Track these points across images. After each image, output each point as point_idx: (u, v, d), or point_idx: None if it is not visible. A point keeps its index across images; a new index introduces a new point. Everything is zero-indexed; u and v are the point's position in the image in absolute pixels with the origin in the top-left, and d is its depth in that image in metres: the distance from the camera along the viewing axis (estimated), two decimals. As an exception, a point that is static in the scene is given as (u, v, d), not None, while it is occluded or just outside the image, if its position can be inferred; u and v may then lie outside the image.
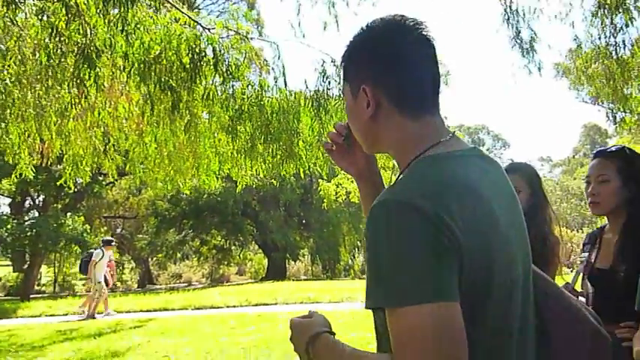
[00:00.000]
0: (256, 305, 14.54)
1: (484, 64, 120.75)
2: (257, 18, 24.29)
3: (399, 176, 1.18)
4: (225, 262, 35.23)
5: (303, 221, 32.37)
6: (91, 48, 4.65)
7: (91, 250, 13.89)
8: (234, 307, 14.56)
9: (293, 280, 28.52)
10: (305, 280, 29.13)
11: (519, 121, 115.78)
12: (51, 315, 15.31)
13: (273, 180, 8.48)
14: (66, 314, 15.21)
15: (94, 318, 12.99)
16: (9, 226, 20.92)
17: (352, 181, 14.99)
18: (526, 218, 3.23)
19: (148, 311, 14.44)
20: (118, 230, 35.71)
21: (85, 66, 4.66)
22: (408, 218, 1.00)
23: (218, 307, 14.57)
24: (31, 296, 22.24)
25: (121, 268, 34.03)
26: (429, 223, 0.98)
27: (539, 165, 67.56)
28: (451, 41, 45.91)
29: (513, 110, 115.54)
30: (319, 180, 20.85)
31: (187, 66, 5.42)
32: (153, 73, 5.24)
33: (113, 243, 15.73)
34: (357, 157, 1.49)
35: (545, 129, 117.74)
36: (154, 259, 35.17)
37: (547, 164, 68.41)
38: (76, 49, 4.83)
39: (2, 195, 30.39)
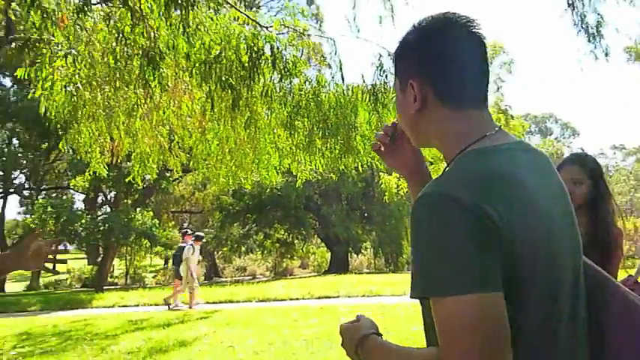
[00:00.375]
0: (319, 298, 14.69)
1: (550, 51, 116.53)
2: (316, 12, 24.37)
3: (444, 170, 1.21)
4: (289, 256, 35.70)
5: (365, 214, 32.36)
6: (155, 50, 4.85)
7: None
8: (296, 299, 14.76)
9: (355, 273, 28.58)
10: (367, 273, 29.15)
11: (589, 108, 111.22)
12: (123, 306, 16.02)
13: (332, 174, 8.54)
14: (137, 305, 15.87)
15: (191, 308, 13.28)
16: (83, 221, 21.95)
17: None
18: (588, 209, 3.15)
19: (214, 303, 14.85)
20: (185, 224, 36.84)
21: (150, 68, 4.87)
22: (448, 209, 1.03)
23: (281, 300, 14.81)
24: (105, 288, 23.27)
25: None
26: (468, 213, 1.01)
27: (612, 153, 64.80)
28: (516, 29, 44.55)
29: (583, 97, 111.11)
30: (380, 173, 20.79)
31: (246, 64, 5.56)
32: (213, 73, 5.40)
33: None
34: (407, 157, 1.53)
35: (617, 116, 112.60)
36: (220, 252, 36.01)
37: (620, 152, 65.44)
38: (140, 52, 5.05)
39: (77, 191, 31.93)
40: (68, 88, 5.66)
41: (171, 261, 36.01)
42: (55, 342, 9.59)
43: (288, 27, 6.65)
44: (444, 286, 1.00)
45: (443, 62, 1.22)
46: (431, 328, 1.10)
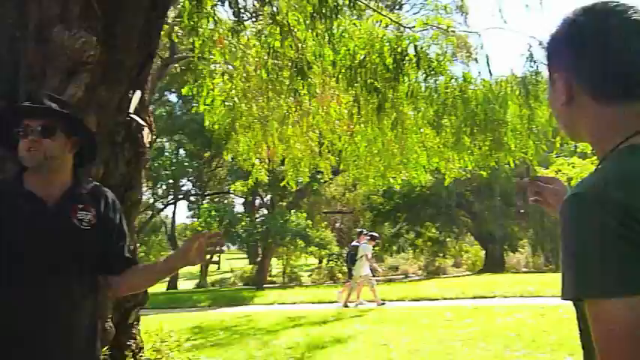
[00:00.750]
0: (473, 298, 14.30)
1: None
2: (460, 5, 23.73)
3: (596, 168, 1.18)
4: (441, 254, 35.10)
5: (521, 211, 30.86)
6: (303, 61, 5.11)
7: (355, 244, 14.69)
8: (450, 299, 14.50)
9: (512, 272, 27.38)
10: (525, 272, 27.76)
11: None
12: (281, 303, 16.85)
13: (482, 172, 8.32)
14: (294, 303, 16.60)
15: (383, 304, 13.40)
16: (243, 223, 23.45)
17: (573, 166, 13.96)
18: None
19: (367, 301, 15.09)
20: (337, 225, 37.77)
21: (299, 78, 5.13)
22: (598, 209, 1.00)
23: (434, 299, 14.65)
24: (264, 286, 24.61)
25: (341, 260, 35.95)
26: (620, 213, 0.97)
27: None
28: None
29: None
30: (536, 167, 19.71)
31: (391, 66, 5.64)
32: (359, 77, 5.55)
33: (378, 239, 16.37)
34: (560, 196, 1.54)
35: None
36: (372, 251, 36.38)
37: None
38: (290, 64, 5.34)
39: (237, 195, 34.15)
40: (226, 103, 6.13)
41: (324, 260, 37.39)
42: (223, 336, 10.38)
43: (431, 25, 6.61)
44: (599, 287, 0.98)
45: (591, 53, 1.17)
46: (585, 332, 1.08)
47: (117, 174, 4.53)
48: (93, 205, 2.23)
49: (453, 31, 6.82)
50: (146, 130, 4.75)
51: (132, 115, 4.62)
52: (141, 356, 4.76)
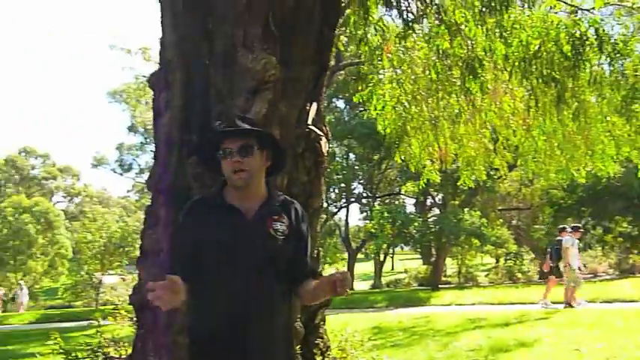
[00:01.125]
0: (678, 299, 12.84)
1: None
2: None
3: None
4: (635, 251, 31.87)
5: None
6: (473, 59, 5.00)
7: (559, 238, 13.97)
8: (648, 300, 13.16)
9: None
10: None
11: None
12: (459, 304, 16.52)
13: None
14: (472, 304, 16.18)
15: (571, 306, 12.51)
16: (416, 224, 23.37)
17: None
18: None
19: (554, 303, 14.23)
20: (514, 222, 36.02)
21: (470, 77, 5.03)
22: None
23: (630, 301, 13.37)
24: (439, 286, 24.28)
25: (520, 259, 34.25)
26: None
27: None
28: None
29: None
30: None
31: (569, 54, 5.29)
32: (534, 68, 5.29)
33: (581, 229, 15.34)
34: None
35: None
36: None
37: None
38: (460, 63, 5.25)
39: (407, 196, 34.15)
40: (396, 107, 6.21)
41: (501, 259, 35.89)
42: (402, 336, 10.45)
43: (611, 4, 6.09)
44: None
45: None
46: None
47: (299, 183, 4.82)
48: (285, 216, 2.42)
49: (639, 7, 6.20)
50: (324, 140, 4.99)
51: (310, 127, 4.89)
52: (328, 355, 4.99)
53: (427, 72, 6.05)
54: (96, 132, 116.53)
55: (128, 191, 58.48)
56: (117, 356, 5.30)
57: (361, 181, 33.93)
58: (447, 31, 5.08)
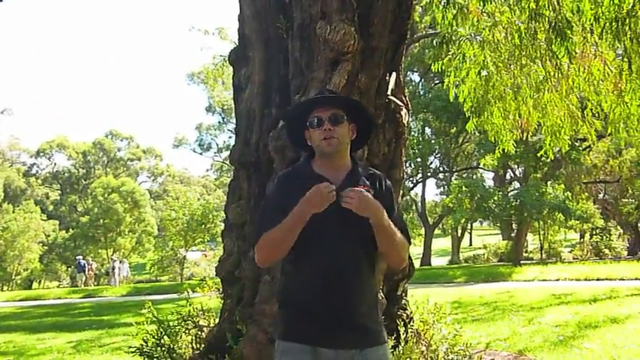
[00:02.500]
0: None
1: None
2: None
3: None
4: None
5: None
6: (561, 21, 4.74)
7: None
8: None
9: None
10: None
11: None
12: (542, 280, 16.05)
13: None
14: (557, 280, 15.67)
15: None
16: (496, 198, 22.75)
17: None
18: None
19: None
20: (601, 195, 34.44)
21: (558, 39, 4.78)
22: None
23: None
24: (521, 262, 23.62)
25: (607, 235, 32.78)
26: None
27: None
28: None
29: None
30: None
31: (666, 12, 4.93)
32: (627, 28, 4.96)
33: None
34: None
35: None
36: (646, 224, 32.42)
37: None
38: (546, 26, 5.00)
39: (486, 170, 33.30)
40: (482, 73, 6.00)
41: (586, 235, 34.37)
42: (484, 311, 10.28)
43: None
44: None
45: None
46: None
47: (380, 154, 4.79)
48: (371, 186, 2.44)
49: None
50: (404, 110, 4.92)
51: (390, 97, 4.83)
52: (412, 326, 4.98)
53: (510, 37, 5.82)
54: (176, 113, 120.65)
55: (207, 170, 60.46)
56: (206, 324, 5.51)
57: (438, 155, 33.40)
58: (532, -8, 4.85)
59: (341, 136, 2.43)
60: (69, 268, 41.03)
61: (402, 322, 4.85)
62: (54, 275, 42.08)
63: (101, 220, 40.61)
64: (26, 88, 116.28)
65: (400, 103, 4.94)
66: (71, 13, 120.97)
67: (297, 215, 2.29)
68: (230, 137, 45.58)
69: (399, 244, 2.44)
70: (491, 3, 5.19)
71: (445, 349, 5.12)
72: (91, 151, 57.00)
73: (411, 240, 3.00)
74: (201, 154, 48.07)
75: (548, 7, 4.95)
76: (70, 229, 43.85)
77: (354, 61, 4.50)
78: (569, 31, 4.85)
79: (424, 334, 5.22)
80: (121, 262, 31.26)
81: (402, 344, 4.60)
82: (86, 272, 30.54)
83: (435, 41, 5.94)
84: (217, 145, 47.36)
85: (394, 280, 5.08)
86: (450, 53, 5.81)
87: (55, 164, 58.24)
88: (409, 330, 4.85)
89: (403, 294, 5.26)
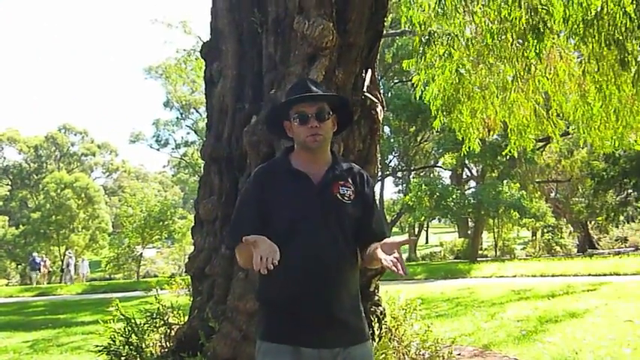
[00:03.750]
0: None
1: None
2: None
3: None
4: (680, 224, 31.15)
5: None
6: (538, 22, 4.82)
7: None
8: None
9: None
10: None
11: None
12: (500, 276, 16.42)
13: None
14: (514, 276, 16.04)
15: None
16: (454, 196, 23.15)
17: None
18: None
19: (596, 275, 14.04)
20: (552, 194, 35.46)
21: (530, 40, 4.86)
22: None
23: (678, 273, 13.11)
24: (477, 259, 24.11)
25: (559, 232, 33.77)
26: None
27: None
28: None
29: None
30: None
31: (633, 15, 5.08)
32: (594, 31, 5.10)
33: None
34: None
35: None
36: (594, 222, 33.56)
37: None
38: (521, 26, 5.07)
39: (444, 169, 33.85)
40: (460, 71, 6.06)
41: (538, 233, 35.31)
42: (447, 307, 10.44)
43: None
44: None
45: None
46: None
47: (355, 150, 4.79)
48: (351, 181, 2.42)
49: None
50: (379, 107, 4.94)
51: (366, 94, 4.84)
52: (385, 322, 5.00)
53: (479, 37, 5.90)
54: (133, 108, 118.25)
55: (164, 166, 59.47)
56: (175, 322, 5.41)
57: (396, 154, 33.71)
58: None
59: (326, 132, 2.40)
60: (19, 266, 39.75)
61: (376, 319, 4.87)
62: (2, 273, 40.67)
63: (53, 217, 39.43)
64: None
65: (375, 100, 4.95)
66: (25, 2, 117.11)
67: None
68: (188, 133, 45.03)
69: None
70: (473, 3, 5.24)
71: (417, 344, 5.17)
72: (43, 145, 55.30)
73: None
74: (158, 150, 47.21)
75: (521, 7, 5.03)
76: (21, 226, 42.44)
77: (332, 56, 4.48)
78: (547, 31, 4.92)
79: (395, 330, 5.26)
80: (82, 260, 30.30)
81: (376, 341, 4.62)
82: (41, 270, 29.52)
83: (420, 39, 5.95)
84: (175, 141, 46.64)
85: (367, 276, 5.08)
86: (427, 52, 5.83)
87: (4, 158, 56.28)
88: (382, 326, 4.87)
89: (376, 290, 5.27)
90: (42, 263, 29.75)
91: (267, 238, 2.14)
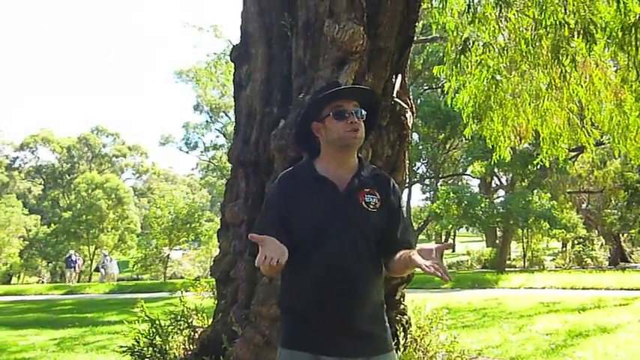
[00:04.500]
0: None
1: None
2: None
3: None
4: None
5: None
6: (588, 24, 4.67)
7: None
8: None
9: None
10: None
11: None
12: (529, 287, 16.10)
13: None
14: (543, 288, 15.72)
15: None
16: (482, 205, 22.82)
17: None
18: None
19: (630, 290, 13.67)
20: (584, 205, 34.74)
21: (587, 43, 4.70)
22: None
23: None
24: (505, 269, 23.70)
25: (590, 244, 33.03)
26: None
27: None
28: None
29: None
30: None
31: (673, 22, 4.92)
32: (633, 38, 4.95)
33: None
34: None
35: None
36: (627, 235, 32.76)
37: None
38: (568, 31, 4.93)
39: (473, 177, 33.44)
40: (496, 77, 5.95)
41: (568, 244, 34.67)
42: (473, 318, 10.25)
43: None
44: None
45: None
46: None
47: (383, 156, 4.73)
48: (377, 189, 2.35)
49: None
50: (409, 113, 4.87)
51: (395, 99, 4.77)
52: (410, 331, 4.92)
53: (514, 42, 5.79)
54: (163, 111, 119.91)
55: (192, 169, 60.09)
56: (199, 325, 5.41)
57: (424, 161, 33.44)
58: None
59: (362, 131, 2.34)
60: (49, 264, 40.47)
61: (401, 328, 4.79)
62: (34, 270, 41.47)
63: (84, 216, 40.05)
64: (10, 80, 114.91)
65: (405, 106, 4.89)
66: (59, 4, 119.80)
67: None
68: (217, 137, 45.41)
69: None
70: (508, 9, 5.14)
71: (442, 355, 5.07)
72: (75, 146, 56.35)
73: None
74: (187, 152, 47.75)
75: (566, 11, 4.90)
76: (52, 225, 43.23)
77: (362, 61, 4.44)
78: (595, 35, 4.77)
79: (421, 340, 5.17)
80: (111, 260, 30.50)
81: (401, 350, 4.54)
82: (76, 268, 29.45)
83: (454, 45, 5.87)
84: (204, 144, 47.10)
85: (392, 284, 5.00)
86: (460, 59, 5.72)
87: (38, 158, 57.52)
88: (408, 335, 4.79)
89: (401, 299, 5.19)
90: (77, 261, 29.70)
91: (277, 240, 2.09)
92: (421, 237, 41.43)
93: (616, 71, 6.04)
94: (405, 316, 5.03)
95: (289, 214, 2.28)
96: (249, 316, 4.75)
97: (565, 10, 4.77)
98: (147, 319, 5.33)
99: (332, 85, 2.54)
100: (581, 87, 6.39)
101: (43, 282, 34.87)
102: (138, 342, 5.15)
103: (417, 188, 43.60)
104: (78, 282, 29.22)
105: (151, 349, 5.10)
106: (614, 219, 30.33)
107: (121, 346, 5.38)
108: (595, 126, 7.10)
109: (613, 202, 31.62)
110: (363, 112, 2.35)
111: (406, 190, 36.33)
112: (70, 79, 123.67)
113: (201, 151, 48.04)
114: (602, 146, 22.08)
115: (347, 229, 2.25)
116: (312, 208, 2.29)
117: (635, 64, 5.12)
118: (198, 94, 41.31)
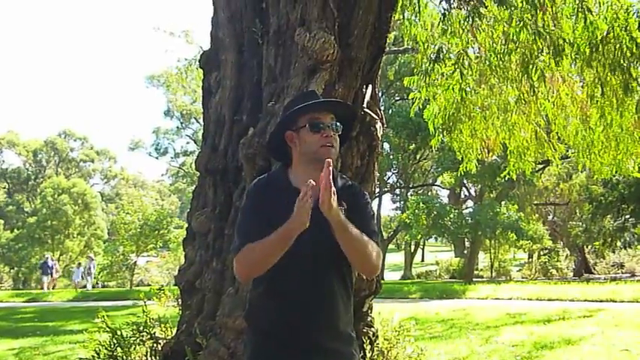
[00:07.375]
0: None
1: None
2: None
3: None
4: (678, 251, 31.01)
5: None
6: (557, 39, 4.72)
7: None
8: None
9: None
10: None
11: None
12: (496, 298, 16.24)
13: None
14: (510, 299, 15.87)
15: None
16: (451, 216, 23.05)
17: None
18: None
19: (593, 301, 13.89)
20: (550, 217, 35.37)
21: (557, 59, 4.76)
22: None
23: (675, 302, 12.95)
24: (473, 279, 23.94)
25: (555, 255, 33.60)
26: None
27: None
28: None
29: None
30: None
31: (639, 40, 5.02)
32: (600, 55, 5.03)
33: None
34: None
35: None
36: (590, 247, 33.40)
37: None
38: (541, 46, 4.98)
39: (443, 188, 33.78)
40: (466, 89, 5.97)
41: (534, 255, 35.21)
42: (441, 328, 10.27)
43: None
44: None
45: None
46: None
47: (352, 167, 4.70)
48: (346, 199, 2.30)
49: None
50: (379, 124, 4.85)
51: (365, 110, 4.75)
52: (377, 344, 4.88)
53: (483, 56, 5.83)
54: (133, 116, 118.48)
55: (162, 175, 59.34)
56: (162, 336, 5.28)
57: (395, 171, 33.63)
58: (508, 15, 4.86)
59: (337, 144, 2.31)
60: (11, 270, 39.41)
61: (368, 340, 4.75)
62: (-4, 277, 40.39)
63: (49, 222, 39.20)
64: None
65: (375, 116, 4.87)
66: (29, 7, 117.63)
67: (285, 234, 2.10)
68: (188, 143, 44.94)
69: (367, 247, 2.21)
70: (481, 21, 5.17)
71: (409, 368, 5.04)
72: (42, 149, 55.17)
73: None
74: (157, 158, 47.12)
75: (527, 29, 4.96)
76: (16, 230, 42.18)
77: (332, 70, 4.41)
78: (568, 49, 4.83)
79: (388, 353, 5.13)
80: (77, 266, 28.75)
81: (368, 363, 4.49)
82: (53, 274, 27.11)
83: (427, 56, 5.89)
84: (174, 150, 46.57)
85: (360, 296, 4.96)
86: (433, 69, 5.74)
87: (3, 162, 56.12)
88: (375, 348, 4.75)
89: (369, 311, 5.15)
90: (54, 267, 27.40)
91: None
92: (391, 246, 41.59)
93: (582, 87, 6.14)
94: (372, 329, 4.99)
95: (264, 224, 2.21)
96: (214, 328, 4.66)
97: (535, 25, 4.82)
98: (108, 329, 5.18)
99: (308, 94, 2.51)
100: (549, 102, 6.47)
101: (4, 289, 33.84)
102: (98, 354, 5.00)
103: (387, 198, 43.86)
104: (54, 288, 27.60)
105: (111, 361, 4.96)
106: (579, 231, 30.90)
107: (81, 358, 5.22)
108: (561, 140, 7.20)
109: (578, 214, 32.26)
110: (339, 125, 2.31)
111: (376, 200, 36.50)
112: (38, 80, 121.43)
113: (172, 157, 47.45)
114: (568, 160, 22.51)
115: (315, 241, 2.18)
116: (281, 220, 2.23)
117: (601, 81, 5.21)
118: (169, 99, 40.91)
